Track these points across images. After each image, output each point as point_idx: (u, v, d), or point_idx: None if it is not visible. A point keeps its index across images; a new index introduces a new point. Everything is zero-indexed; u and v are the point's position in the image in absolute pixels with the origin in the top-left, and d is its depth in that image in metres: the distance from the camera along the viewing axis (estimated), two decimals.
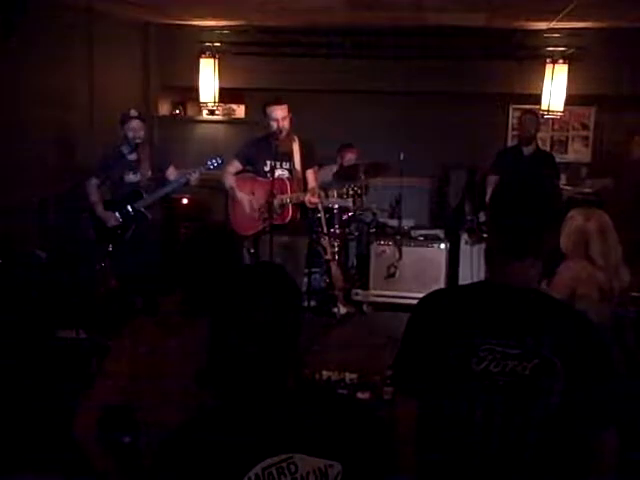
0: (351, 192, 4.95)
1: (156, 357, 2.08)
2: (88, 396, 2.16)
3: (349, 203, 6.15)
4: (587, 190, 6.57)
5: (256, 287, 1.49)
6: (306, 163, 5.03)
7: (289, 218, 4.92)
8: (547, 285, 3.38)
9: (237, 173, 5.14)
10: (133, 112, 5.15)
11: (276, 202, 4.83)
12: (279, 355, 1.47)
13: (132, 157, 5.19)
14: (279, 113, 4.83)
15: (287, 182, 4.92)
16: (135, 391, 2.09)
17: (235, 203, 5.13)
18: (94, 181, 5.25)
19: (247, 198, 5.03)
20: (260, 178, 4.99)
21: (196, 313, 2.13)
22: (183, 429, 1.44)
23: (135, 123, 5.11)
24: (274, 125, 4.83)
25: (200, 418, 1.47)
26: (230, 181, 5.09)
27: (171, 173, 5.28)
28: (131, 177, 5.19)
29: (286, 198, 4.87)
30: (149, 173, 5.20)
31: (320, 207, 5.67)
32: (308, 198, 4.85)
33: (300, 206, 4.98)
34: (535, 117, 6.35)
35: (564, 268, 3.38)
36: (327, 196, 4.96)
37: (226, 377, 1.45)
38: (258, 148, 5.03)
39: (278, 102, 4.87)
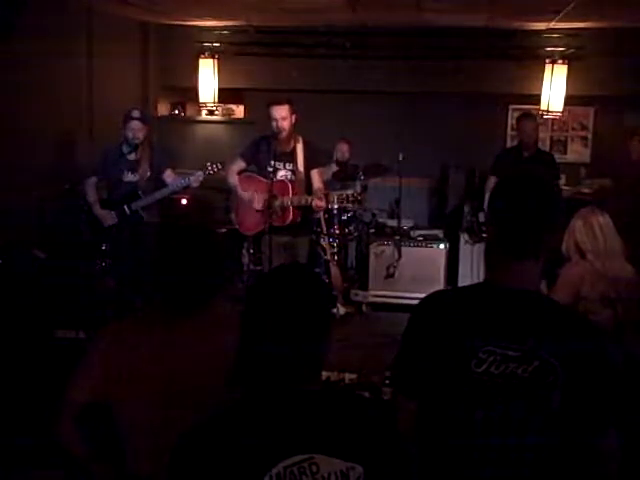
0: (351, 198, 4.95)
1: (132, 358, 2.04)
2: (67, 393, 2.13)
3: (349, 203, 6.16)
4: (585, 190, 6.57)
5: (291, 289, 1.50)
6: (310, 164, 5.01)
7: (289, 220, 4.90)
8: (546, 286, 3.38)
9: (241, 172, 5.14)
10: (135, 113, 5.11)
11: (277, 203, 4.82)
12: (313, 356, 1.48)
13: (132, 157, 5.17)
14: (279, 113, 4.81)
15: (289, 184, 4.90)
16: (113, 392, 2.05)
17: (238, 202, 5.13)
18: (93, 179, 5.25)
19: (249, 197, 5.01)
20: (263, 178, 4.95)
21: (175, 313, 2.11)
22: (205, 425, 1.45)
23: (135, 124, 5.07)
24: (274, 125, 4.83)
25: (222, 414, 1.47)
26: (234, 180, 5.09)
27: (168, 175, 5.25)
28: (130, 177, 5.17)
29: (288, 200, 4.85)
30: (148, 174, 5.19)
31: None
32: (315, 202, 4.82)
33: (301, 207, 4.97)
34: (534, 122, 6.24)
35: (567, 270, 3.38)
36: (328, 201, 4.95)
37: (258, 376, 1.46)
38: (262, 147, 4.99)
39: (279, 102, 4.85)
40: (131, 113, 5.10)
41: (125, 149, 5.14)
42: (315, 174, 5.01)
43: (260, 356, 1.46)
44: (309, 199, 4.84)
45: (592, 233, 3.36)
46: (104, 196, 5.30)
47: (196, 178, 5.15)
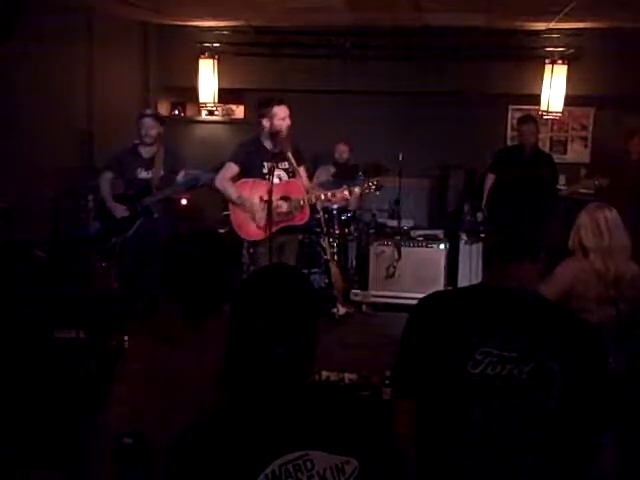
0: (372, 186, 4.94)
1: (164, 374, 2.00)
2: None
3: (350, 203, 6.19)
4: (582, 190, 6.56)
5: (278, 289, 1.50)
6: (298, 162, 4.99)
7: (306, 219, 4.94)
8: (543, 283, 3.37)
9: (233, 177, 4.94)
10: (148, 111, 5.45)
11: (294, 203, 4.81)
12: (303, 355, 1.49)
13: (146, 155, 5.35)
14: (283, 112, 4.81)
15: (299, 183, 4.89)
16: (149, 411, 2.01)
17: (242, 209, 4.86)
18: (108, 175, 5.42)
19: (258, 203, 4.79)
20: (264, 181, 4.76)
21: (196, 322, 2.09)
22: (197, 427, 1.45)
23: (147, 121, 5.30)
24: (277, 124, 4.78)
25: (216, 415, 1.48)
26: (232, 187, 4.85)
27: (183, 177, 5.41)
28: (144, 174, 5.35)
29: (305, 198, 4.81)
30: (161, 172, 5.34)
31: (319, 207, 5.62)
32: (339, 195, 4.90)
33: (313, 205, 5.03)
34: (533, 125, 6.20)
35: (561, 267, 3.37)
36: (350, 193, 4.96)
37: (248, 377, 1.47)
38: (253, 150, 4.89)
39: (280, 102, 4.86)
40: (144, 111, 5.43)
41: (140, 147, 5.35)
42: (302, 171, 5.02)
43: (247, 357, 1.46)
44: (329, 194, 4.87)
45: (597, 229, 3.32)
46: (119, 191, 5.44)
47: (206, 177, 5.23)
